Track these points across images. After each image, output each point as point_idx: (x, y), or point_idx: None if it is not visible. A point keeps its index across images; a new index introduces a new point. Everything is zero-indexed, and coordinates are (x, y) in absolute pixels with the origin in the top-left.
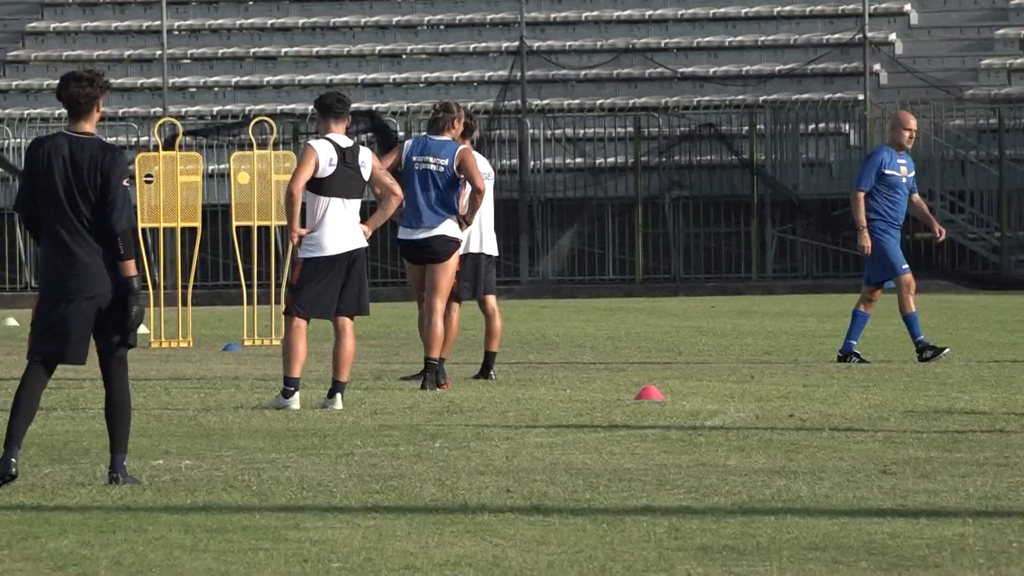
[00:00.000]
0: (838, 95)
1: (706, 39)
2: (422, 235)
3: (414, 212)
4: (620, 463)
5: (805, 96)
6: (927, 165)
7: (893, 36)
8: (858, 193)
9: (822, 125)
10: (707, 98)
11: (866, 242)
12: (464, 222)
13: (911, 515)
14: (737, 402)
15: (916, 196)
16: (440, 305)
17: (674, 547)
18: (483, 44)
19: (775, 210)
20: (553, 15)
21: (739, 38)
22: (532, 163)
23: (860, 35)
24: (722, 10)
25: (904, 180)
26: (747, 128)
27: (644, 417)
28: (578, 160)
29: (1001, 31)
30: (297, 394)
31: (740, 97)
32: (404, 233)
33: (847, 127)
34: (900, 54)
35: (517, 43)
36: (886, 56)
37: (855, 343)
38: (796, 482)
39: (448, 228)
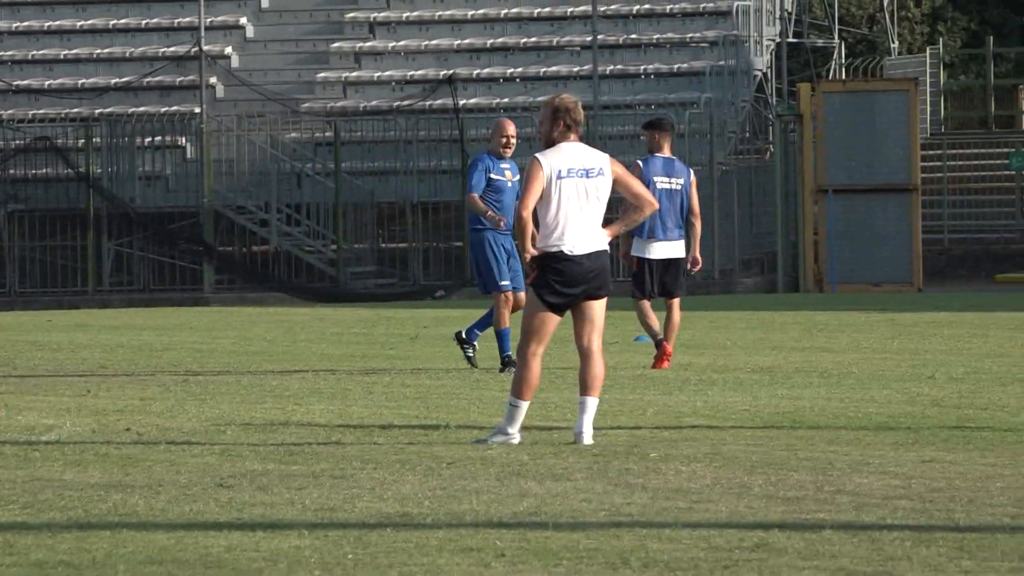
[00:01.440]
0: (175, 108)
1: (41, 52)
2: None
3: None
4: None
5: (142, 109)
6: (263, 178)
7: (229, 49)
8: (471, 195)
9: (159, 138)
10: (42, 111)
11: (500, 221)
12: None
13: (247, 528)
14: (74, 416)
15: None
16: None
17: (9, 563)
18: None
19: (112, 223)
20: None
21: (75, 51)
22: None
23: (196, 48)
24: (57, 23)
25: (510, 185)
26: (83, 141)
27: None
28: None
29: (336, 44)
30: None
31: (76, 110)
32: None
33: (184, 140)
34: (236, 67)
35: None
36: (223, 69)
37: (478, 333)
38: (133, 496)
39: None
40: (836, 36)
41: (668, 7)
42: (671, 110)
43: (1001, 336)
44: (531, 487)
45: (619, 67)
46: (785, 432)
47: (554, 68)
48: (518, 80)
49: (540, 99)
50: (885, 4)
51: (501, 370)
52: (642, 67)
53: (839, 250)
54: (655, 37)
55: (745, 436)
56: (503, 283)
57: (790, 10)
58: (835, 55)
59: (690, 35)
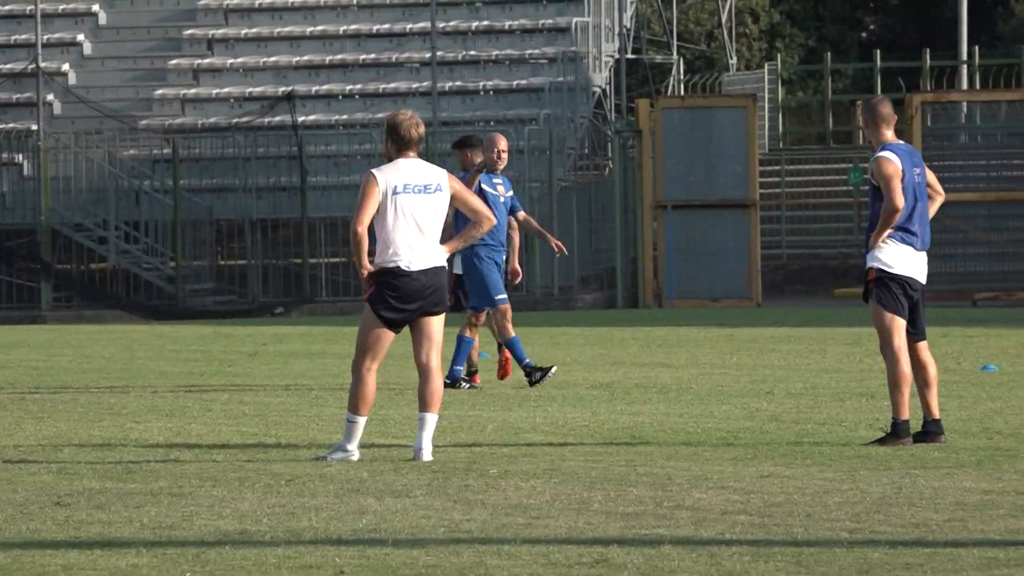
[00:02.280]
0: (11, 125)
1: None
2: None
3: None
4: None
5: None
6: (101, 196)
7: (67, 66)
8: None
9: None
10: None
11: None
12: None
13: (85, 546)
14: None
15: (522, 214)
16: None
17: None
18: None
19: None
20: None
21: None
22: None
23: (33, 65)
24: None
25: (502, 200)
26: None
27: None
28: None
29: (174, 61)
30: None
31: None
32: None
33: (20, 157)
34: (74, 84)
35: None
36: (60, 86)
37: (460, 369)
38: None
39: None
40: (675, 52)
41: (507, 24)
42: (510, 127)
43: (839, 351)
44: (370, 504)
45: (458, 84)
46: (624, 448)
47: (393, 85)
48: (357, 97)
49: (379, 116)
50: (723, 21)
51: (530, 384)
52: (481, 84)
53: (678, 266)
54: (494, 54)
55: (584, 452)
56: (499, 296)
57: (629, 26)
58: (674, 71)
59: (529, 52)
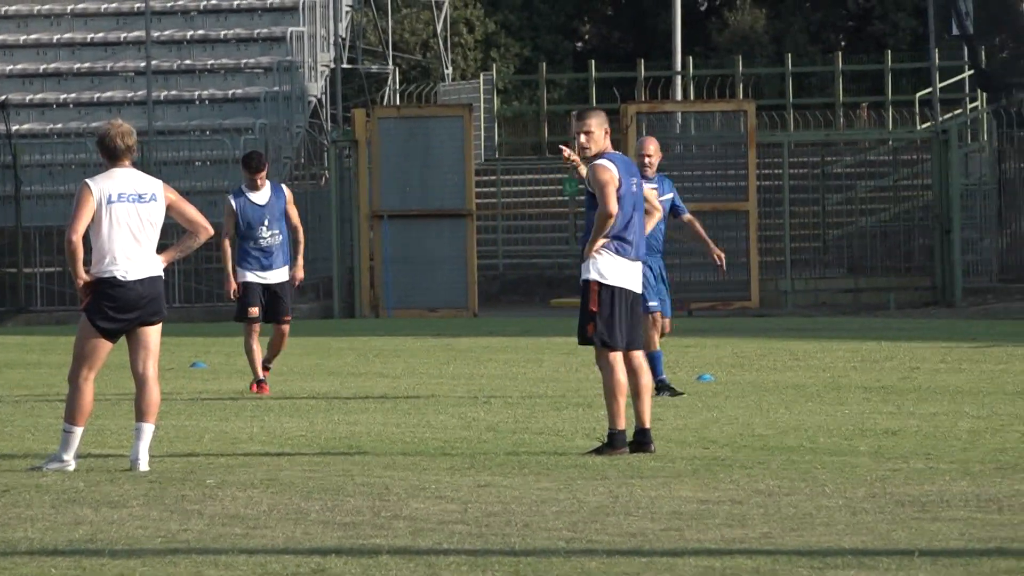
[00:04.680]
0: None
1: None
2: None
3: None
4: None
5: None
6: None
7: None
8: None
9: None
10: None
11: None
12: None
13: None
14: None
15: (687, 216)
16: None
17: None
18: None
19: None
20: None
21: None
22: None
23: None
24: None
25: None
26: None
27: None
28: None
29: None
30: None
31: None
32: None
33: None
34: None
35: None
36: None
37: (665, 378)
38: None
39: None
40: (390, 62)
41: (222, 33)
42: (226, 136)
43: (556, 361)
44: (87, 514)
45: (174, 93)
46: (341, 457)
47: (108, 94)
48: (71, 106)
49: (94, 124)
50: (439, 31)
51: (656, 394)
52: (197, 93)
53: (395, 276)
54: (209, 63)
55: (302, 462)
56: (650, 304)
57: (344, 36)
58: (390, 81)
59: (244, 61)
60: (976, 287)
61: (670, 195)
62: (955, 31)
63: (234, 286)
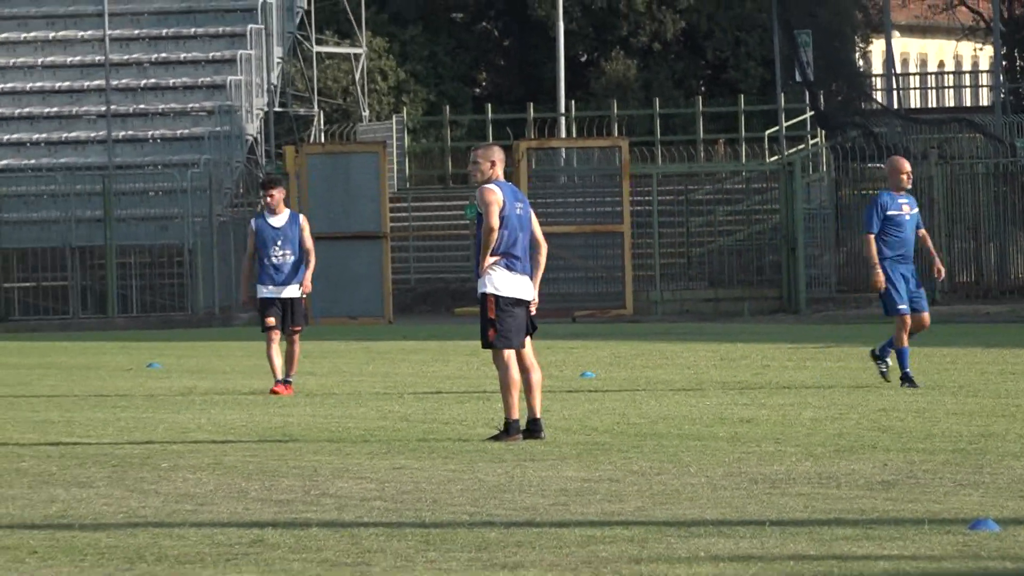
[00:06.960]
0: None
1: None
2: None
3: None
4: None
5: None
6: None
7: None
8: (868, 236)
9: None
10: None
11: (879, 279)
12: None
13: None
14: None
15: (922, 231)
16: None
17: None
18: None
19: None
20: None
21: None
22: None
23: None
24: None
25: (907, 217)
26: None
27: None
28: None
29: None
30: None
31: None
32: None
33: None
34: None
35: None
36: None
37: (909, 370)
38: None
39: None
40: (316, 106)
41: (171, 81)
42: (176, 170)
43: (460, 361)
44: (59, 494)
45: (131, 133)
46: (277, 444)
47: (74, 134)
48: (43, 144)
49: (63, 160)
50: (357, 79)
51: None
52: (150, 133)
53: (321, 289)
54: (161, 107)
55: (243, 448)
56: (901, 307)
57: (276, 84)
58: (315, 122)
59: (191, 105)
60: (818, 297)
61: (915, 211)
62: (798, 78)
63: (244, 297)
